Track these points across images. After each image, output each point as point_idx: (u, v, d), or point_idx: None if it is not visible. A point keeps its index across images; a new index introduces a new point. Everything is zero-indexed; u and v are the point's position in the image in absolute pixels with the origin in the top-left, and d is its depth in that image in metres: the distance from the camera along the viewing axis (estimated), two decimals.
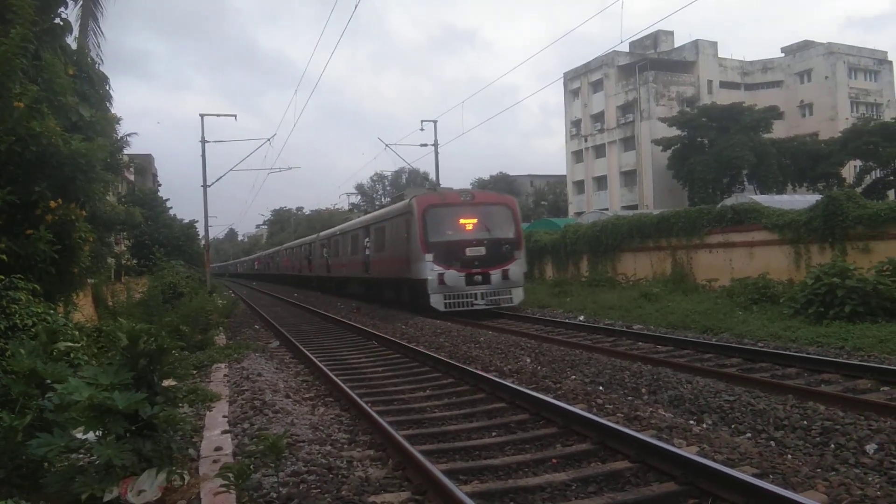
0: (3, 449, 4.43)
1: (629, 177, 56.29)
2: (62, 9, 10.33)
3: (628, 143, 56.41)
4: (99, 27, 16.08)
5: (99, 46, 15.67)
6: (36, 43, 8.26)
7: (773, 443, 5.93)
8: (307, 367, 10.71)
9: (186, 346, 11.52)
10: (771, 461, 5.25)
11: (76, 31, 13.47)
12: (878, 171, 41.63)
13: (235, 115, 31.39)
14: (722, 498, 4.46)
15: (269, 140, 30.63)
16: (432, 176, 37.47)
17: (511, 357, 10.77)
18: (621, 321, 15.50)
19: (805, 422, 6.32)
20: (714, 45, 58.23)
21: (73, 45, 12.28)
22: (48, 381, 4.85)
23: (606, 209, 46.48)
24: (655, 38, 58.84)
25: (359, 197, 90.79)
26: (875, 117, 49.43)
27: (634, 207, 48.36)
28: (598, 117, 60.08)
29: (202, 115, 30.49)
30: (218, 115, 31.23)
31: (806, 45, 58.49)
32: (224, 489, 4.42)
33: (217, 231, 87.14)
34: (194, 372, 9.94)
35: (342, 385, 8.35)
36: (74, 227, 8.49)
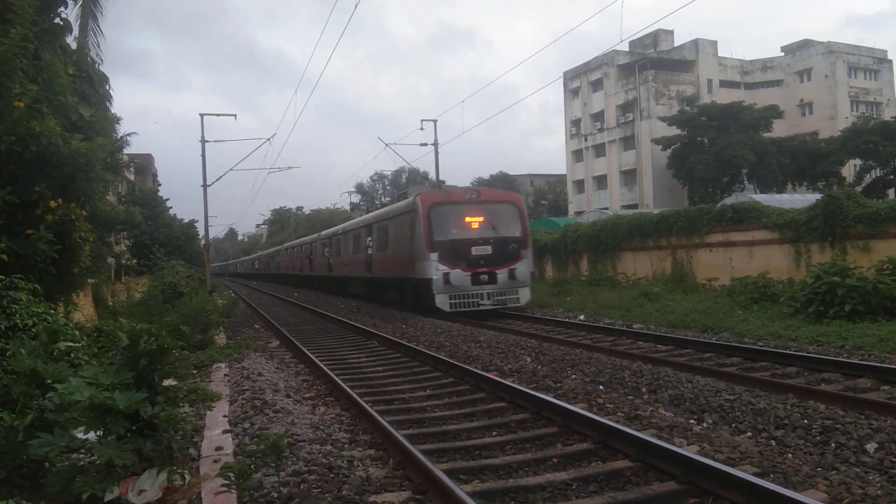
0: (4, 449, 4.43)
1: (629, 176, 56.30)
2: (62, 8, 10.32)
3: (628, 142, 56.42)
4: (99, 27, 16.10)
5: (99, 46, 15.71)
6: (36, 43, 8.26)
7: (773, 442, 5.93)
8: (307, 366, 10.72)
9: (187, 346, 11.52)
10: (771, 460, 5.25)
11: (76, 31, 13.50)
12: (878, 169, 41.64)
13: (235, 115, 31.43)
14: (722, 497, 4.46)
15: (269, 140, 30.63)
16: (432, 175, 37.49)
17: (511, 356, 10.77)
18: (621, 320, 15.50)
19: (805, 421, 6.32)
20: (714, 44, 58.25)
21: (73, 45, 12.29)
22: (49, 381, 4.85)
23: (606, 208, 46.50)
24: (655, 37, 58.84)
25: (359, 197, 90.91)
26: (875, 116, 49.52)
27: (634, 207, 48.37)
28: (598, 116, 60.09)
29: (202, 115, 30.51)
30: (218, 115, 31.25)
31: (806, 44, 58.48)
32: (225, 489, 4.42)
33: (217, 231, 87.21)
34: (195, 372, 9.94)
35: (342, 385, 8.35)
36: (74, 226, 8.49)
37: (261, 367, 10.27)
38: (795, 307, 13.30)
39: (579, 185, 61.83)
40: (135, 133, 19.35)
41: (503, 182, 72.45)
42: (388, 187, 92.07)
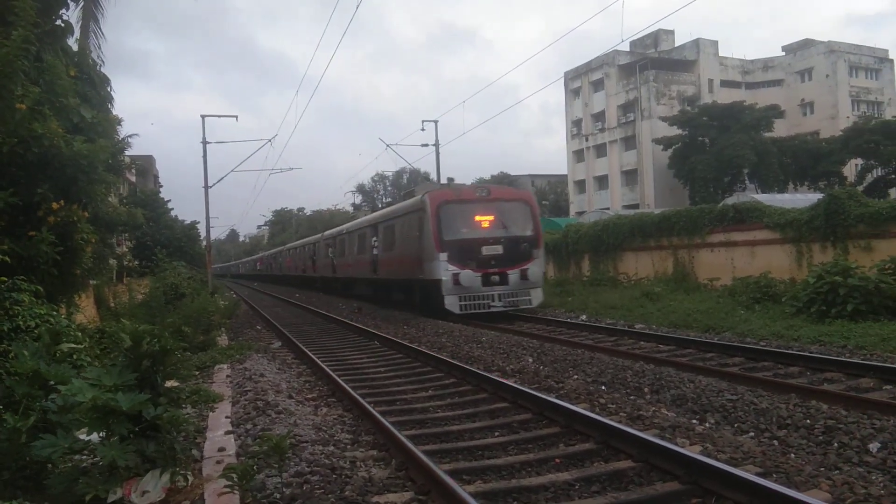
0: (7, 450, 4.44)
1: (630, 176, 56.29)
2: (63, 10, 10.36)
3: (629, 142, 56.41)
4: (100, 28, 16.12)
5: (100, 48, 15.72)
6: (37, 45, 8.27)
7: (776, 442, 5.92)
8: (309, 367, 10.72)
9: (189, 347, 11.52)
10: (774, 460, 5.25)
11: (77, 33, 13.48)
12: (880, 169, 41.62)
13: (237, 116, 31.53)
14: (725, 497, 4.46)
15: (270, 141, 30.65)
16: (433, 176, 37.49)
17: (513, 357, 10.77)
18: (623, 321, 15.49)
19: (808, 421, 6.32)
20: (715, 43, 58.24)
21: (75, 47, 12.30)
22: (52, 383, 4.86)
23: (608, 208, 46.48)
24: (656, 37, 58.85)
25: (359, 197, 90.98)
26: (876, 115, 49.46)
27: (636, 207, 48.35)
28: (599, 116, 60.09)
29: (203, 116, 30.54)
30: (219, 116, 31.29)
31: (806, 44, 58.46)
32: (228, 490, 4.42)
33: (218, 232, 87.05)
34: (197, 373, 9.96)
35: (345, 385, 8.35)
36: (76, 228, 8.50)
37: (263, 368, 10.27)
38: (797, 307, 13.29)
39: (580, 185, 61.82)
40: (136, 135, 19.41)
41: (504, 182, 72.43)
42: (388, 188, 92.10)
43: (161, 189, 45.94)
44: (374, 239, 23.38)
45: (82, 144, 8.37)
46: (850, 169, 44.30)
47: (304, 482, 5.01)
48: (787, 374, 8.76)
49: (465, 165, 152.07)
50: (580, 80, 61.47)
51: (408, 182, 79.84)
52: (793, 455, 5.53)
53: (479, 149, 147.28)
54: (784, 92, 57.09)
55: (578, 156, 62.17)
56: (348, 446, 6.13)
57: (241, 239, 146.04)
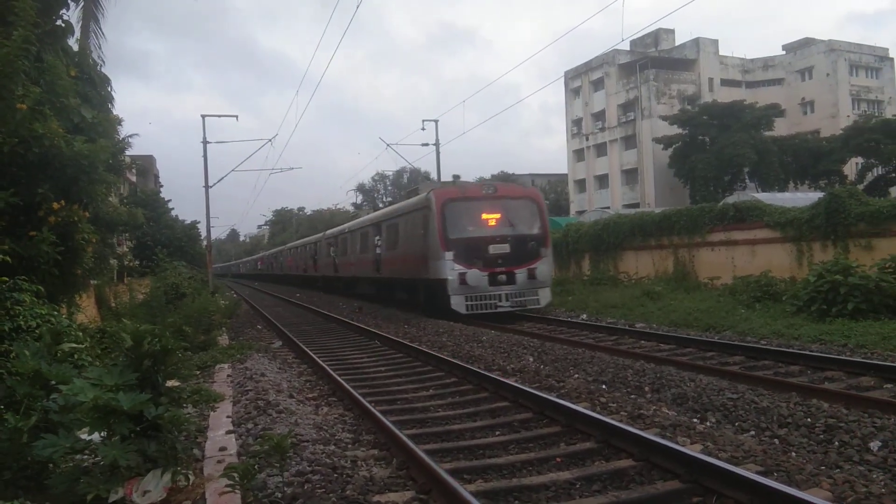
0: (9, 450, 4.44)
1: (630, 175, 56.27)
2: (63, 10, 10.37)
3: (629, 141, 56.39)
4: (100, 28, 16.12)
5: (100, 48, 15.73)
6: (38, 45, 8.28)
7: (776, 440, 5.93)
8: (310, 367, 10.73)
9: (190, 347, 11.52)
10: (775, 459, 5.25)
11: (77, 33, 13.48)
12: (880, 168, 41.58)
13: (237, 116, 31.45)
14: (726, 496, 4.46)
15: (270, 141, 30.62)
16: (434, 175, 37.47)
17: (514, 356, 10.77)
18: (623, 320, 15.50)
19: (809, 419, 6.32)
20: (715, 42, 58.21)
21: (75, 47, 12.30)
22: (53, 383, 4.86)
23: (608, 208, 46.51)
24: (656, 36, 58.81)
25: (360, 197, 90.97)
26: (876, 114, 49.38)
27: (636, 206, 48.33)
28: (599, 116, 60.07)
29: (203, 116, 30.52)
30: (219, 116, 31.27)
31: (807, 43, 58.41)
32: (229, 489, 4.43)
33: (219, 232, 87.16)
34: (198, 372, 9.96)
35: (345, 385, 8.36)
36: (77, 228, 8.50)
37: (263, 368, 10.27)
38: (798, 306, 13.29)
39: (581, 184, 61.81)
40: (136, 135, 19.39)
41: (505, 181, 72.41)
42: (389, 188, 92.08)
43: (161, 189, 45.93)
44: (378, 238, 23.07)
45: (83, 144, 8.38)
46: (851, 168, 44.28)
47: (305, 481, 5.02)
48: (788, 373, 8.77)
49: (465, 165, 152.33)
50: (580, 80, 61.44)
51: (408, 181, 79.80)
52: (794, 454, 5.53)
53: (479, 148, 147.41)
54: (784, 91, 57.06)
55: (579, 155, 62.16)
56: (349, 445, 6.13)
57: (242, 239, 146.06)
